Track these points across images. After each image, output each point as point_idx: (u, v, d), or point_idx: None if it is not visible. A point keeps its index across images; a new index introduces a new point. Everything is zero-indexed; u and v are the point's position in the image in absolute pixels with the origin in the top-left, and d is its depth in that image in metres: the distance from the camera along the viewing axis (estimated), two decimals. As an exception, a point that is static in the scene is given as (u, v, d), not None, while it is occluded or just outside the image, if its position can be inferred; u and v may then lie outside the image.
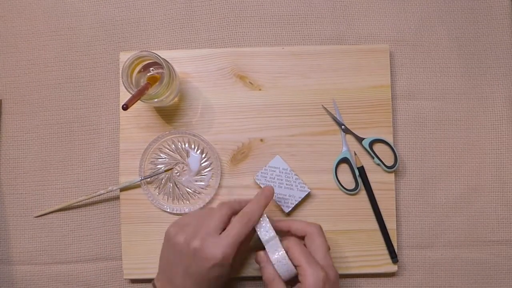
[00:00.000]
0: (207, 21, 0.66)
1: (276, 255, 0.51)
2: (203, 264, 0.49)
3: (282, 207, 0.61)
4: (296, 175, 0.61)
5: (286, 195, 0.61)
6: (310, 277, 0.49)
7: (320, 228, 0.55)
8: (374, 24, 0.66)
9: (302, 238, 0.55)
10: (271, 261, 0.51)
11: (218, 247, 0.49)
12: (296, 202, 0.61)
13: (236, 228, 0.50)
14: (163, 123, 0.63)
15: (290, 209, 0.61)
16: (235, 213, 0.53)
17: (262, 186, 0.61)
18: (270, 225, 0.53)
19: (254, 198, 0.54)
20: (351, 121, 0.63)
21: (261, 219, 0.53)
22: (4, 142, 0.65)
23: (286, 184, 0.61)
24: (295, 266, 0.51)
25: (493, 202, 0.64)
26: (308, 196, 0.62)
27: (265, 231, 0.53)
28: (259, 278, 0.63)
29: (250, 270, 0.61)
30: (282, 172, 0.61)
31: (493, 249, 0.63)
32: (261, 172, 0.61)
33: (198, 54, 0.64)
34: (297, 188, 0.61)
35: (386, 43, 0.65)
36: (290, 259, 0.51)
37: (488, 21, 0.66)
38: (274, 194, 0.56)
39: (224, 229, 0.51)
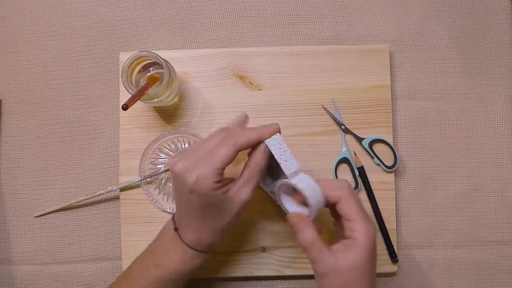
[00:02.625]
0: (207, 21, 0.66)
1: (303, 182, 0.47)
2: (183, 190, 0.46)
3: (282, 207, 0.61)
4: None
5: None
6: (364, 234, 0.45)
7: (349, 186, 0.48)
8: (374, 24, 0.66)
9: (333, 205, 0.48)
10: (305, 213, 0.47)
11: (194, 170, 0.45)
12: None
13: (216, 150, 0.46)
14: (163, 123, 0.63)
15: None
16: (240, 149, 0.47)
17: (262, 186, 0.60)
18: (288, 150, 0.48)
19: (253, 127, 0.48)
20: (351, 121, 0.63)
21: (274, 137, 0.48)
22: (4, 142, 0.65)
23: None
24: (345, 220, 0.46)
25: (493, 202, 0.64)
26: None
27: (283, 155, 0.48)
28: (259, 278, 0.63)
29: (249, 270, 0.61)
30: None
31: (493, 249, 0.63)
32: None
33: (198, 54, 0.64)
34: None
35: (386, 43, 0.65)
36: (341, 213, 0.46)
37: (488, 21, 0.66)
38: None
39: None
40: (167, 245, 0.51)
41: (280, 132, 0.49)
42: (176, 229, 0.50)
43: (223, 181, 0.47)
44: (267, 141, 0.48)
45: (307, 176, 0.48)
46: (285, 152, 0.48)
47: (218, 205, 0.47)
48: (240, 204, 0.48)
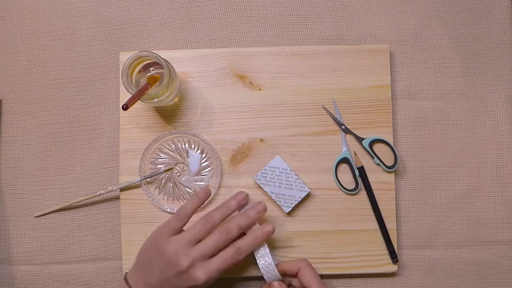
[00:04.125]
0: (207, 21, 0.66)
1: (263, 261, 0.55)
2: (185, 282, 0.51)
3: (282, 207, 0.61)
4: (296, 175, 0.61)
5: (286, 195, 0.61)
6: None
7: (308, 261, 0.57)
8: (374, 24, 0.66)
9: (295, 275, 0.57)
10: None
11: (205, 271, 0.51)
12: (296, 202, 0.61)
13: (227, 259, 0.52)
14: (163, 123, 0.63)
15: (290, 209, 0.61)
16: (232, 237, 0.53)
17: (262, 186, 0.61)
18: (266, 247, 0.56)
19: (249, 234, 0.55)
20: (351, 121, 0.63)
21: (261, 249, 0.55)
22: (4, 142, 0.65)
23: (286, 184, 0.61)
24: None
25: (493, 202, 0.64)
26: (308, 196, 0.62)
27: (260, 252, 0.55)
28: (259, 278, 0.63)
29: (249, 270, 0.61)
30: (282, 172, 0.61)
31: (493, 249, 0.63)
32: (261, 172, 0.61)
33: (198, 54, 0.64)
34: (297, 188, 0.61)
35: (386, 43, 0.65)
36: (301, 280, 0.55)
37: (488, 21, 0.66)
38: (265, 209, 0.56)
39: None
40: None
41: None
42: None
43: None
44: (256, 255, 0.55)
45: (269, 257, 0.55)
46: (267, 259, 0.55)
47: None
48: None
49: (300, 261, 0.56)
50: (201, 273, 0.50)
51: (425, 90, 0.65)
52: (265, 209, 0.56)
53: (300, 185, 0.61)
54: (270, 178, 0.61)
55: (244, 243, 0.53)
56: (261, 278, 0.63)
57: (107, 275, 0.63)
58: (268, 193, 0.61)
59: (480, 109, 0.65)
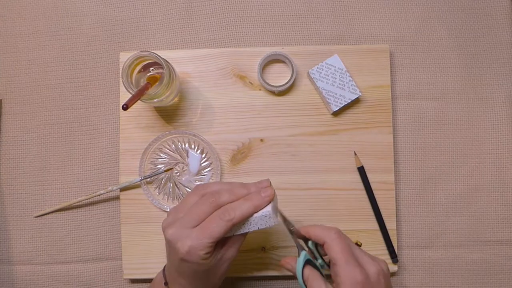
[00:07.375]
0: (207, 21, 0.66)
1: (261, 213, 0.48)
2: (174, 255, 0.46)
3: (331, 105, 0.61)
4: (351, 76, 0.61)
5: (336, 94, 0.61)
6: (346, 279, 0.43)
7: (338, 230, 0.47)
8: (374, 24, 0.66)
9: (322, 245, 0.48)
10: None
11: (186, 240, 0.44)
12: (345, 103, 0.61)
13: (212, 224, 0.45)
14: (163, 123, 0.63)
15: (338, 108, 0.61)
16: (221, 204, 0.46)
17: (315, 80, 0.61)
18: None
19: (247, 196, 0.47)
20: (351, 121, 0.63)
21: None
22: (4, 142, 0.65)
23: (339, 83, 0.61)
24: (330, 262, 0.46)
25: (493, 202, 0.64)
26: (308, 195, 0.62)
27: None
28: (259, 278, 0.63)
29: (249, 270, 0.61)
30: (337, 71, 0.61)
31: (493, 249, 0.63)
32: (317, 67, 0.61)
33: (198, 54, 0.64)
34: (349, 90, 0.61)
35: (386, 43, 0.65)
36: (328, 255, 0.46)
37: (488, 21, 0.66)
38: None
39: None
40: None
41: (273, 199, 0.48)
42: (166, 284, 0.50)
43: (215, 249, 0.47)
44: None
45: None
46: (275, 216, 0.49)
47: (208, 269, 0.48)
48: (228, 261, 0.49)
49: (330, 230, 0.46)
50: (182, 243, 0.44)
51: (425, 90, 0.65)
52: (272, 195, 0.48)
53: (353, 87, 0.61)
54: (324, 74, 0.61)
55: (234, 204, 0.46)
56: (263, 278, 0.63)
57: (107, 275, 0.63)
58: (320, 88, 0.61)
59: (480, 109, 0.65)
